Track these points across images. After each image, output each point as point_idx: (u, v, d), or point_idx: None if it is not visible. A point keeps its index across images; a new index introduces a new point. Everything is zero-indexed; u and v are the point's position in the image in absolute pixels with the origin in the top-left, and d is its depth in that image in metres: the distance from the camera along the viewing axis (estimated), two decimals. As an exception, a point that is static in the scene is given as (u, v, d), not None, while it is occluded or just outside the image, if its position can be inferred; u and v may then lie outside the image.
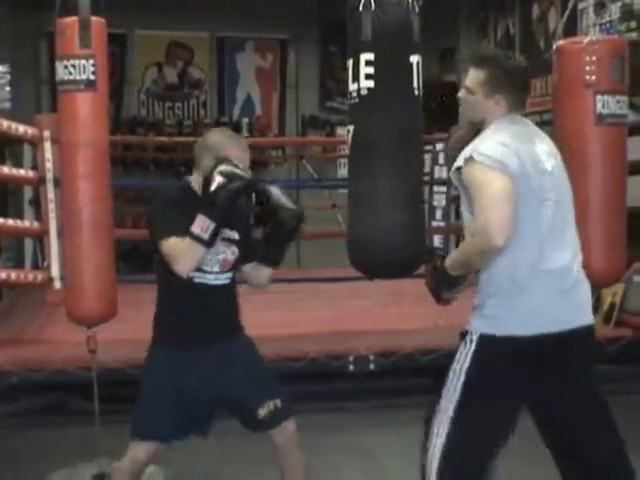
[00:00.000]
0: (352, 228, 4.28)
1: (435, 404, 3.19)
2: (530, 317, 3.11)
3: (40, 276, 6.81)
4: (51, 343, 6.42)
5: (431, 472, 3.15)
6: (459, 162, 3.17)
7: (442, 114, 11.51)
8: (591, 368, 3.30)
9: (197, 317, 3.69)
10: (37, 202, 8.13)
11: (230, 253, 3.71)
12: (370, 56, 4.25)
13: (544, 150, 3.26)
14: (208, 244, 3.46)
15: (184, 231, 3.45)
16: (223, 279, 3.72)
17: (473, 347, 3.15)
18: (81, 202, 4.83)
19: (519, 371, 3.13)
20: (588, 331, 3.23)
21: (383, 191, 4.12)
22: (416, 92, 4.28)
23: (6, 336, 6.46)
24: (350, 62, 4.35)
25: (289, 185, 12.74)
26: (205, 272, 3.65)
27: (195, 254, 3.47)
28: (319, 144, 13.59)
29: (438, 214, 10.86)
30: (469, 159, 3.13)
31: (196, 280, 3.64)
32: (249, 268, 3.85)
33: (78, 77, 4.97)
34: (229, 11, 12.17)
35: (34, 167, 7.82)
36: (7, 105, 11.28)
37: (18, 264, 10.05)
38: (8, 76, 11.67)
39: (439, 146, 10.57)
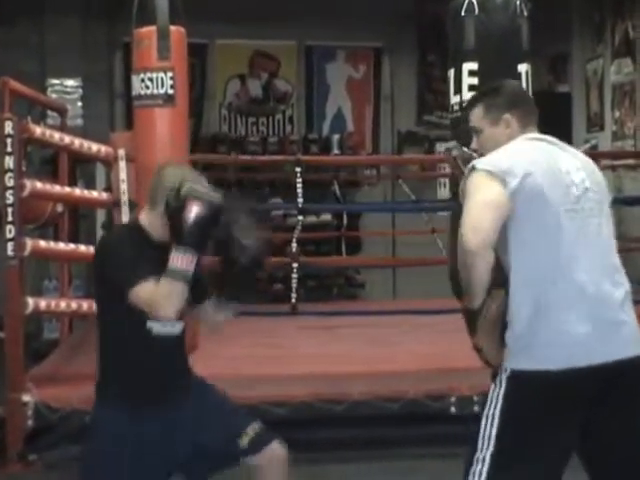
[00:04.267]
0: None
1: (471, 454, 3.11)
2: (560, 349, 3.04)
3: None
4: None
5: None
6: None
7: (553, 127, 11.42)
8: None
9: (158, 373, 3.56)
10: (110, 226, 8.26)
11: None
12: (474, 65, 4.27)
13: (571, 164, 3.24)
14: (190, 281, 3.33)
15: (150, 273, 3.31)
16: (179, 326, 3.57)
17: (503, 387, 3.09)
18: (158, 226, 4.89)
19: (555, 407, 3.05)
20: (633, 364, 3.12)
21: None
22: (525, 104, 4.26)
23: (78, 372, 6.54)
24: (451, 72, 4.37)
25: (384, 208, 12.74)
26: (162, 321, 3.45)
27: (181, 294, 3.30)
28: (417, 162, 13.44)
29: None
30: (471, 169, 3.15)
31: (155, 330, 3.48)
32: (210, 308, 3.66)
33: (156, 91, 5.05)
34: (318, 18, 12.25)
35: (107, 189, 7.98)
36: (79, 122, 11.46)
37: (89, 294, 10.21)
38: (80, 91, 11.86)
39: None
